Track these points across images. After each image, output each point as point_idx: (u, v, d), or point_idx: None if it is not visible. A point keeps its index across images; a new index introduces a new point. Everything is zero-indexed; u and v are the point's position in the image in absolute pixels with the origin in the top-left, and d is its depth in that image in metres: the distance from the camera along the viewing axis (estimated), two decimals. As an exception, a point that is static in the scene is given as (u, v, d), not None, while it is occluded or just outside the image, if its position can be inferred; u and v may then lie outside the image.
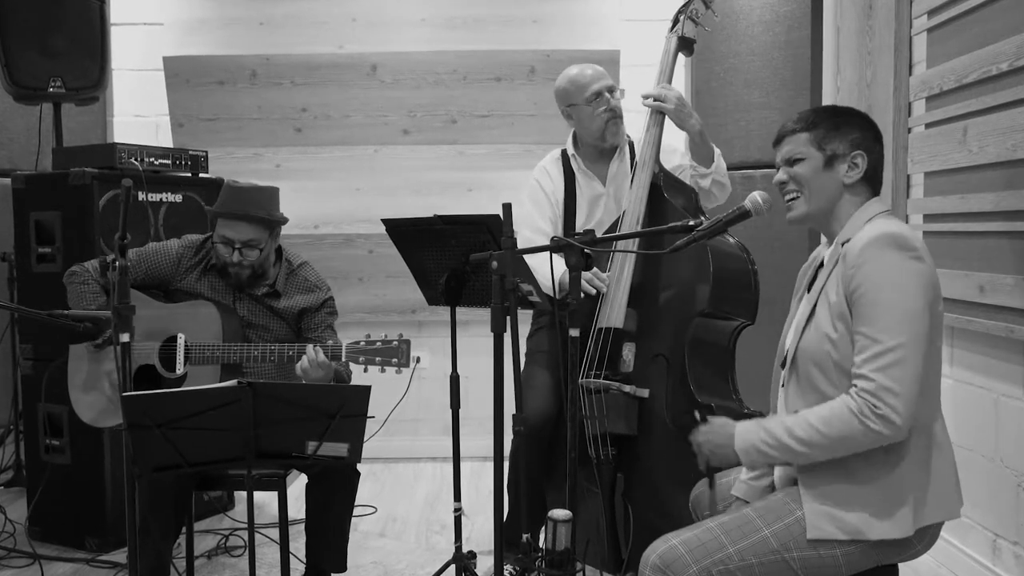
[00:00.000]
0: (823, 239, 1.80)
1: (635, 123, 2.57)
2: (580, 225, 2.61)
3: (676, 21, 2.50)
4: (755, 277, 2.31)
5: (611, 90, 2.56)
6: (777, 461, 1.64)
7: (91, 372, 2.43)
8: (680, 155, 2.62)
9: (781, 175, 1.73)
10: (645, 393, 2.30)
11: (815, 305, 1.65)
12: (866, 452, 1.56)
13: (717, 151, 2.55)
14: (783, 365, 1.73)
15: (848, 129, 1.69)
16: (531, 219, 2.61)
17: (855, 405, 1.51)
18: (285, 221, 2.53)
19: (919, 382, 1.52)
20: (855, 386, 1.53)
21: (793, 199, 1.72)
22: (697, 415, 1.75)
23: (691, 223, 1.86)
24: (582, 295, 2.28)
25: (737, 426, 1.64)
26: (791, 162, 1.71)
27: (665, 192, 2.39)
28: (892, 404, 1.49)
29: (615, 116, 2.57)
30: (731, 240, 2.32)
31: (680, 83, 3.44)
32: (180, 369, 2.36)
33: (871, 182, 1.70)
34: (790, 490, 1.66)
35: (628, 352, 2.36)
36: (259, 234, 2.44)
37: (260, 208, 2.45)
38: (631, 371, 2.34)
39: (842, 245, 1.64)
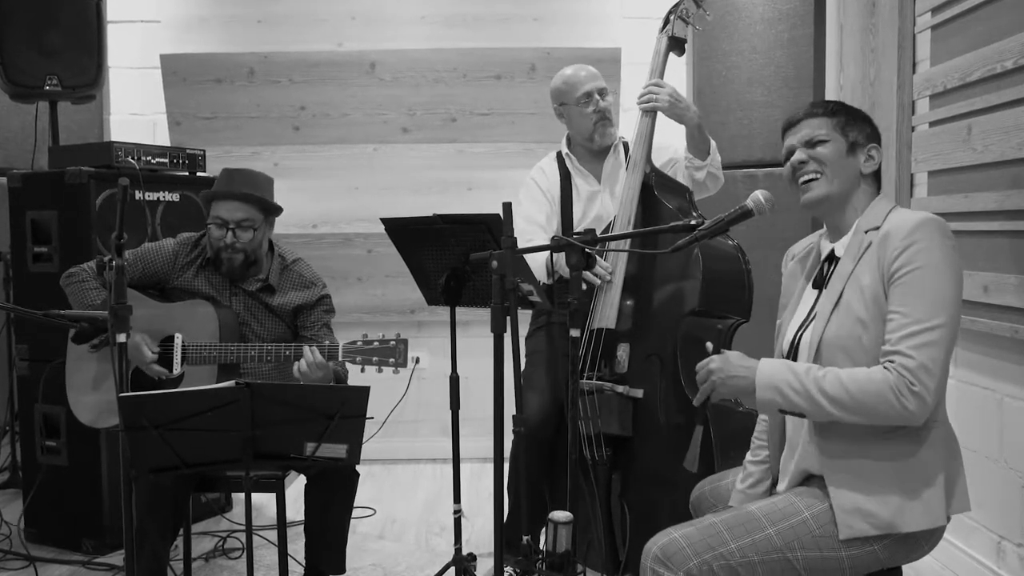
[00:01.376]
0: (820, 234, 1.78)
1: (633, 121, 2.56)
2: (577, 222, 2.62)
3: (667, 21, 2.51)
4: (748, 276, 2.30)
5: (602, 92, 2.57)
6: (792, 409, 1.58)
7: (90, 373, 2.42)
8: (672, 150, 2.61)
9: (801, 155, 1.69)
10: (639, 393, 2.29)
11: (841, 294, 1.62)
12: (893, 444, 1.55)
13: (713, 144, 2.54)
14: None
15: (863, 123, 1.71)
16: (527, 213, 2.62)
17: (893, 379, 1.49)
18: (279, 208, 2.54)
19: (947, 366, 1.52)
20: (892, 361, 1.50)
21: (812, 180, 1.68)
22: (709, 346, 1.70)
23: (693, 222, 1.85)
24: (583, 286, 2.29)
25: (762, 360, 1.61)
26: (812, 144, 1.68)
27: (657, 192, 2.38)
28: (927, 384, 1.48)
29: (603, 118, 2.58)
30: (725, 239, 2.31)
31: (681, 81, 3.43)
32: (177, 369, 2.34)
33: (878, 178, 1.72)
34: (799, 490, 1.65)
35: (622, 352, 2.35)
36: (252, 214, 2.44)
37: (254, 188, 2.46)
38: (625, 371, 2.33)
39: (865, 232, 1.63)
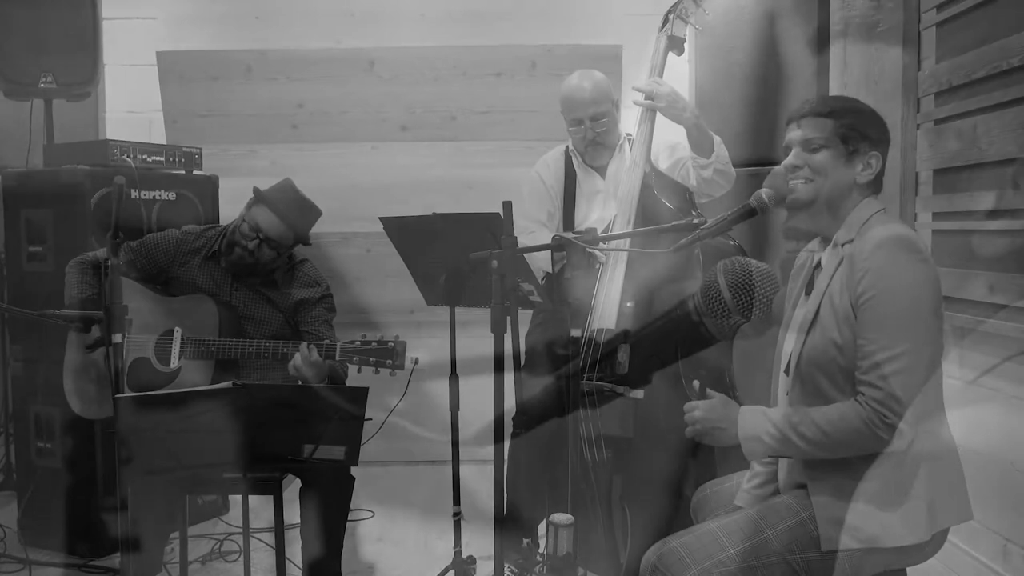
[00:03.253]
0: (818, 240, 1.75)
1: (635, 118, 2.53)
2: (579, 221, 2.60)
3: (666, 20, 2.50)
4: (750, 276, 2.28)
5: (596, 118, 2.53)
6: (777, 453, 1.64)
7: (86, 362, 2.41)
8: (682, 148, 2.59)
9: (796, 159, 1.66)
10: (639, 394, 2.27)
11: (818, 309, 1.61)
12: (871, 459, 1.54)
13: (717, 139, 2.52)
14: (786, 372, 1.69)
15: (870, 127, 1.65)
16: (528, 210, 2.61)
17: (865, 414, 1.50)
18: (309, 242, 2.57)
19: (921, 388, 1.51)
20: (862, 394, 1.51)
21: (801, 183, 1.66)
22: (696, 386, 1.72)
23: (695, 221, 1.83)
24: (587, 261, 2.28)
25: (741, 411, 1.63)
26: (812, 148, 1.65)
27: (657, 191, 2.37)
28: (899, 412, 1.48)
29: (592, 143, 2.57)
30: (726, 239, 2.29)
31: (683, 79, 3.40)
32: (175, 363, 2.34)
33: (876, 185, 1.67)
34: (795, 493, 1.64)
35: (622, 353, 2.33)
36: (285, 237, 2.45)
37: (303, 219, 2.48)
38: (625, 372, 2.31)
39: (842, 246, 1.60)
